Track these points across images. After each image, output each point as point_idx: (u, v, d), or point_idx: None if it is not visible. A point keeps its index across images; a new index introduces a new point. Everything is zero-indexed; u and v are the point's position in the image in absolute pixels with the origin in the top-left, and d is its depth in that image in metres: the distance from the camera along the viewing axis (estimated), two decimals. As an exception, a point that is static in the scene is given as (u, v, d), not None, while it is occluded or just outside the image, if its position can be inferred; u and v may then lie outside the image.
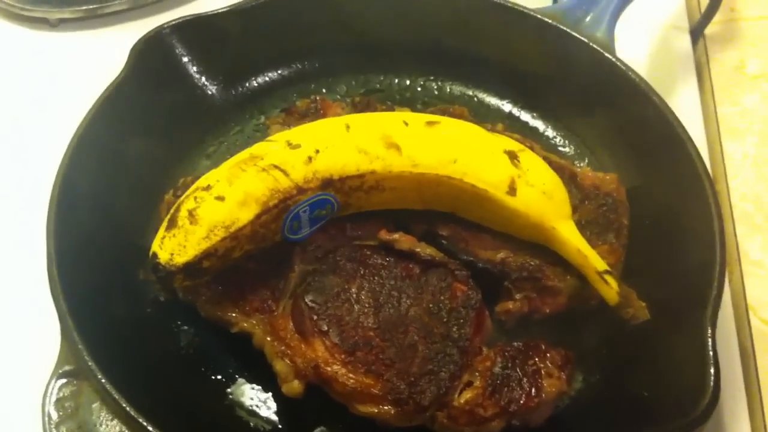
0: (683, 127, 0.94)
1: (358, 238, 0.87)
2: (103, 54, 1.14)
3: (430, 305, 0.82)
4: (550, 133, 1.08)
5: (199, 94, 1.07)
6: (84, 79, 1.04)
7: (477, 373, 0.78)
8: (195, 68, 1.06)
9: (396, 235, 0.86)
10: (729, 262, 0.93)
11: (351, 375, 0.77)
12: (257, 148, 0.84)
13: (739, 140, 1.11)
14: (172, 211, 0.80)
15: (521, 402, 0.77)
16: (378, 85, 1.14)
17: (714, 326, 0.78)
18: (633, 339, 0.85)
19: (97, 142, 0.93)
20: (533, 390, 0.77)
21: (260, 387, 0.86)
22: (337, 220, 0.86)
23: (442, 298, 0.82)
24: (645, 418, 0.80)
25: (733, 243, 1.00)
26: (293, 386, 0.78)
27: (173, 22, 1.03)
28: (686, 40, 1.24)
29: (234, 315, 0.83)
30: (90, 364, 0.76)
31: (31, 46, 1.25)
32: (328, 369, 0.78)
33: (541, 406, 0.78)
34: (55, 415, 0.76)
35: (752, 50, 1.21)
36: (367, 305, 0.82)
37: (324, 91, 1.12)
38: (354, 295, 0.82)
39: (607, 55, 1.02)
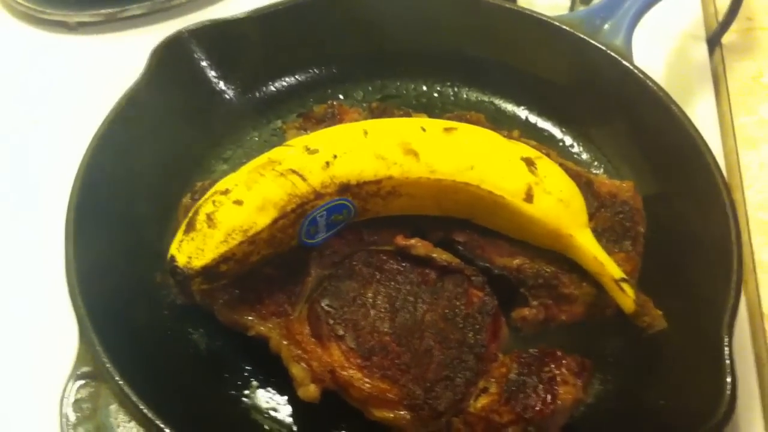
0: (701, 136, 0.94)
1: (374, 244, 0.87)
2: (121, 57, 1.14)
3: (446, 311, 0.82)
4: (566, 140, 1.08)
5: (216, 98, 1.08)
6: (103, 82, 1.04)
7: (493, 380, 0.78)
8: (213, 73, 1.07)
9: (412, 241, 0.86)
10: (745, 272, 0.93)
11: (367, 380, 0.78)
12: (275, 152, 0.84)
13: (755, 149, 1.11)
14: (190, 214, 0.81)
15: (537, 409, 0.77)
16: (395, 91, 1.15)
17: (731, 335, 0.78)
18: (649, 347, 0.85)
19: (116, 145, 0.94)
20: (549, 397, 0.77)
21: (276, 391, 0.86)
22: (353, 225, 0.87)
23: (458, 304, 0.82)
24: (661, 426, 0.80)
25: (749, 252, 1.00)
26: (309, 390, 0.78)
27: (192, 27, 1.04)
28: (703, 49, 1.24)
29: (251, 319, 0.83)
30: (107, 365, 0.76)
31: (50, 49, 1.26)
32: (344, 373, 0.78)
33: (557, 413, 0.77)
34: (72, 417, 0.76)
35: (769, 60, 1.21)
36: (383, 310, 0.82)
37: (341, 96, 1.13)
38: (370, 300, 0.82)
39: (624, 62, 1.02)
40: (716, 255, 0.86)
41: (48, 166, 1.09)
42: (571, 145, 1.08)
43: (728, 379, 0.75)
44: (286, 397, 0.85)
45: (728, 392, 0.75)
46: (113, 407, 0.77)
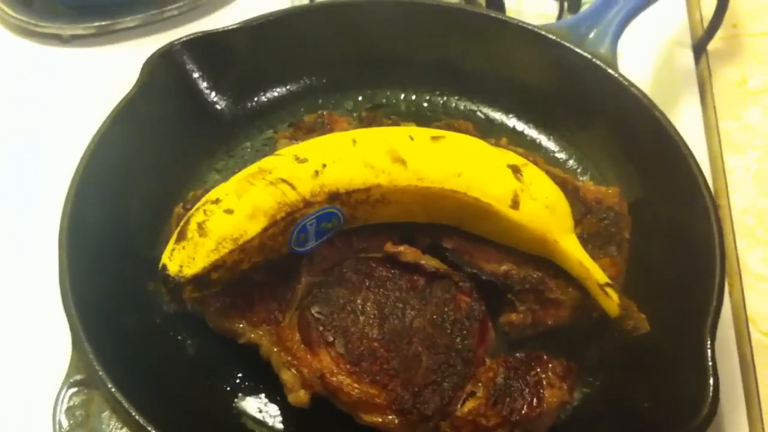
0: (685, 142, 0.95)
1: (363, 251, 0.88)
2: (114, 69, 1.15)
3: (435, 316, 0.83)
4: (553, 147, 1.09)
5: (209, 109, 1.08)
6: (96, 94, 1.05)
7: (480, 384, 0.80)
8: (205, 83, 1.07)
9: (401, 248, 0.87)
10: (730, 275, 0.94)
11: (356, 385, 0.79)
12: (265, 162, 0.86)
13: (740, 155, 1.12)
14: (181, 223, 0.82)
15: (523, 412, 0.78)
16: (384, 100, 1.15)
17: (713, 337, 0.79)
18: (634, 350, 0.86)
19: (109, 156, 0.95)
20: (535, 400, 0.78)
21: (267, 397, 0.87)
22: (343, 232, 0.88)
23: (446, 309, 0.83)
24: (646, 427, 0.81)
25: (734, 256, 1.01)
26: (299, 396, 0.79)
27: (184, 39, 1.05)
28: (689, 55, 1.25)
29: (241, 326, 0.84)
30: (100, 373, 0.77)
31: (44, 61, 1.26)
32: (334, 379, 0.79)
33: (543, 416, 0.79)
34: (65, 423, 0.77)
35: (754, 66, 1.22)
36: (372, 316, 0.83)
37: (331, 105, 1.13)
38: (359, 307, 0.83)
39: (609, 70, 1.02)
40: (700, 258, 0.87)
41: (42, 177, 1.10)
42: (558, 152, 1.08)
43: (711, 381, 0.76)
44: (276, 403, 0.86)
45: (711, 394, 0.75)
46: (106, 414, 0.78)
